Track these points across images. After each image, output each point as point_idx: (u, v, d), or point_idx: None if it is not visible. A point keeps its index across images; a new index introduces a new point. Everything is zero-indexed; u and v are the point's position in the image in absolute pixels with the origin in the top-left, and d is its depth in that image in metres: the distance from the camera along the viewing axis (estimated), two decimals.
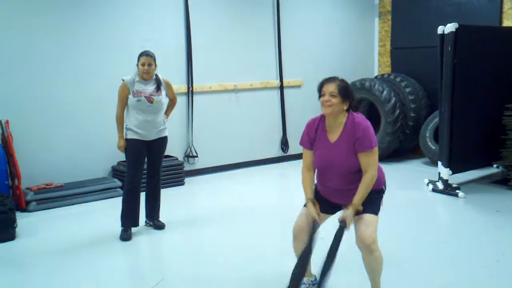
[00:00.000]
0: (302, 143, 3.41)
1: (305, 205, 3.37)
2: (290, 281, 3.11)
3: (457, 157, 6.15)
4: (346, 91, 3.18)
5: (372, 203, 3.20)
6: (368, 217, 3.16)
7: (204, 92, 7.34)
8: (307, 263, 3.24)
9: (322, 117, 3.29)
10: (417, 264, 4.04)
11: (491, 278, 3.77)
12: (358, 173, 3.19)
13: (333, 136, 3.24)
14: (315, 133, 3.31)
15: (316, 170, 3.40)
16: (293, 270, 3.16)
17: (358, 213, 3.16)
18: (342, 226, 3.12)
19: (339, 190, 3.27)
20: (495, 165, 6.90)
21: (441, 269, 3.94)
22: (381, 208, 3.27)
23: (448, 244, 4.48)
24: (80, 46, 6.27)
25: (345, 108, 3.20)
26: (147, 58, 4.68)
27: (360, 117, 3.24)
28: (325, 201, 3.37)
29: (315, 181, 3.43)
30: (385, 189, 3.36)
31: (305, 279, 3.51)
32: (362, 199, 3.13)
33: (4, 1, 5.78)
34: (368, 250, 3.11)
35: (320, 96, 3.22)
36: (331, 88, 3.16)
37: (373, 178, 3.14)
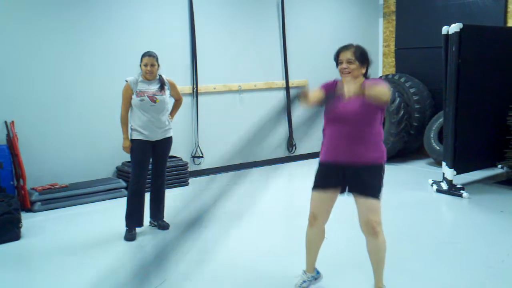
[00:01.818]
0: (322, 85, 3.36)
1: (313, 188, 3.37)
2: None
3: (462, 157, 6.14)
4: (362, 55, 3.21)
5: (374, 185, 3.20)
6: (371, 201, 3.17)
7: (208, 93, 7.36)
8: None
9: (339, 81, 3.28)
10: (421, 264, 4.03)
11: (495, 279, 3.77)
12: (368, 128, 3.19)
13: (349, 94, 3.20)
14: (333, 89, 3.29)
15: (324, 134, 3.38)
16: None
17: (361, 193, 3.17)
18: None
19: (348, 142, 3.22)
20: (499, 166, 6.88)
21: (445, 269, 3.94)
22: (382, 189, 3.24)
23: (452, 245, 4.47)
24: (85, 47, 6.29)
25: (363, 71, 3.22)
26: (149, 59, 4.70)
27: (374, 78, 3.25)
28: (331, 170, 3.32)
29: (321, 147, 3.41)
30: (385, 166, 3.29)
31: (305, 276, 3.52)
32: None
33: (9, 2, 5.81)
34: (374, 233, 3.13)
35: (337, 65, 3.25)
36: (348, 54, 3.18)
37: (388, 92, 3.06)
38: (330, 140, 3.33)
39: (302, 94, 3.16)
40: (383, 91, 2.99)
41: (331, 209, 3.41)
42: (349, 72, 3.17)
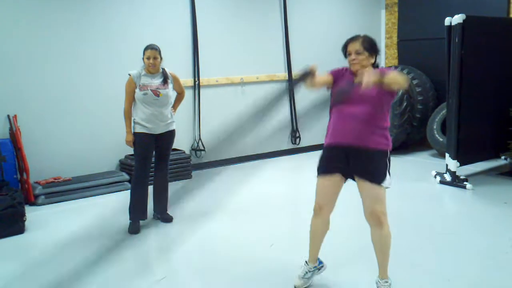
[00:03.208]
0: (331, 71, 3.36)
1: (318, 174, 3.35)
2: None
3: (465, 149, 6.13)
4: (371, 45, 3.21)
5: (379, 171, 3.17)
6: (376, 190, 3.15)
7: (210, 86, 7.35)
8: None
9: (349, 70, 3.29)
10: (425, 256, 4.04)
11: (499, 270, 3.77)
12: (377, 113, 3.17)
13: (358, 79, 3.15)
14: (342, 74, 3.31)
15: (329, 119, 3.36)
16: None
17: (365, 178, 3.15)
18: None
19: (355, 123, 3.19)
20: (503, 157, 6.87)
21: (448, 261, 3.94)
22: (389, 178, 3.20)
23: (456, 236, 4.48)
24: (88, 41, 6.29)
25: (372, 61, 3.22)
26: (152, 52, 4.69)
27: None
28: (335, 155, 3.29)
29: (326, 134, 3.37)
30: (390, 155, 3.26)
31: (308, 267, 3.51)
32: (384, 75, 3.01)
33: None
34: (378, 223, 3.12)
35: (345, 56, 3.26)
36: (356, 46, 3.19)
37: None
38: (336, 121, 3.30)
39: (310, 72, 3.11)
40: (401, 79, 2.97)
41: (336, 198, 3.38)
42: (358, 63, 3.18)
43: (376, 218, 3.12)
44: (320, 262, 3.58)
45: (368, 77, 2.88)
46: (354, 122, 3.19)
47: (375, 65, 3.25)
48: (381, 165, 3.19)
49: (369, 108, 3.17)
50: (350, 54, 3.21)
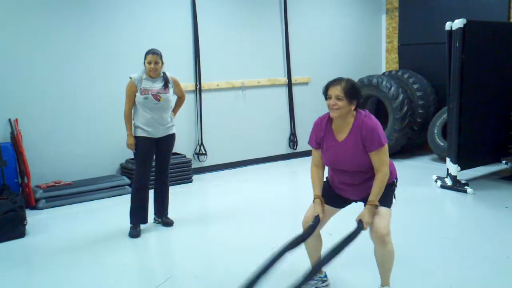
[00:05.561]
0: (310, 142, 3.41)
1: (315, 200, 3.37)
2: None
3: (466, 153, 6.13)
4: (352, 91, 3.10)
5: (385, 196, 3.19)
6: (381, 210, 3.15)
7: (211, 90, 7.36)
8: (294, 246, 3.22)
9: (330, 117, 3.23)
10: (426, 261, 4.03)
11: (500, 275, 3.76)
12: (368, 171, 3.18)
13: (341, 136, 3.21)
14: (322, 132, 3.28)
15: (325, 167, 3.40)
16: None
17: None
18: (360, 226, 3.10)
19: (350, 186, 3.28)
20: (503, 161, 6.86)
21: (450, 265, 3.93)
22: (394, 200, 3.29)
23: (457, 241, 4.46)
24: (90, 45, 6.30)
25: (352, 108, 3.14)
26: (153, 56, 4.69)
27: (367, 116, 3.19)
28: (335, 195, 3.38)
29: (326, 175, 3.43)
30: (397, 182, 3.37)
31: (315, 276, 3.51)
32: (377, 197, 3.12)
33: (13, 1, 5.81)
34: (382, 242, 3.11)
35: (326, 99, 3.17)
36: (336, 91, 3.09)
37: (386, 175, 3.13)
38: (332, 181, 3.39)
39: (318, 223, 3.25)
40: (384, 182, 3.13)
41: (329, 219, 3.41)
42: (338, 109, 3.10)
43: (380, 238, 3.11)
44: (325, 276, 3.57)
45: (368, 219, 3.08)
46: (349, 186, 3.29)
47: (357, 109, 3.19)
48: (387, 195, 3.22)
49: (359, 171, 3.21)
50: (330, 98, 3.12)
